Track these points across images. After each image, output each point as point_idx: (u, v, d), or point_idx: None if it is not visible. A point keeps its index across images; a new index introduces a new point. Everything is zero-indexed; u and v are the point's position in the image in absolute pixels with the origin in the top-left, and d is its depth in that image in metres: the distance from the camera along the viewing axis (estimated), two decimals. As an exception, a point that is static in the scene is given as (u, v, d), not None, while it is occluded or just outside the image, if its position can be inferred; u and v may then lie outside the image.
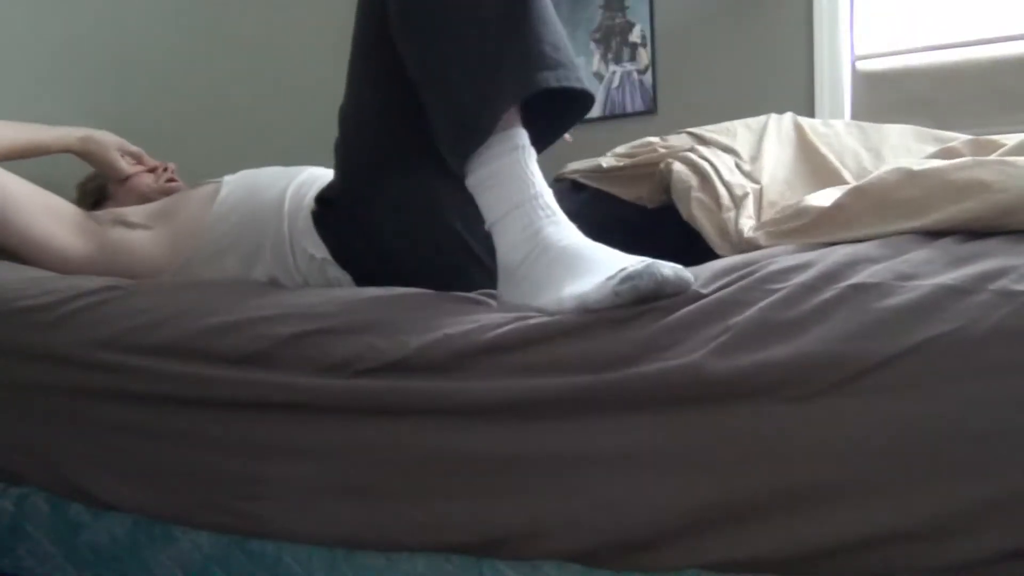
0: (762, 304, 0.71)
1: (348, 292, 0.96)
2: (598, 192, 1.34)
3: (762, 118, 1.34)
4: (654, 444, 0.70)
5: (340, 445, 0.82)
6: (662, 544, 0.70)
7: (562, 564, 0.75)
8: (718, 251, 1.08)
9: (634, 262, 0.76)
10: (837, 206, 0.90)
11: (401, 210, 1.03)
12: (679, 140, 1.31)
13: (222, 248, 1.18)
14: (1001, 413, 0.63)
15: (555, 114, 0.94)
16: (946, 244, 0.76)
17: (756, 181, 1.17)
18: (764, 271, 0.76)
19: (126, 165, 1.43)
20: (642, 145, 1.35)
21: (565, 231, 0.85)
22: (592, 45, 2.33)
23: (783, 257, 0.80)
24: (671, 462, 0.70)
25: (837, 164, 1.22)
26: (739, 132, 1.30)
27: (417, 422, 0.79)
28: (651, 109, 2.40)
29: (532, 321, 0.78)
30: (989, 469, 0.62)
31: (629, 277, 0.74)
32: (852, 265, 0.74)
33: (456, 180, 0.90)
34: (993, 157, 0.87)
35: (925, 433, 0.64)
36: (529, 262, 0.84)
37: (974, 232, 0.79)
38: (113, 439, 0.94)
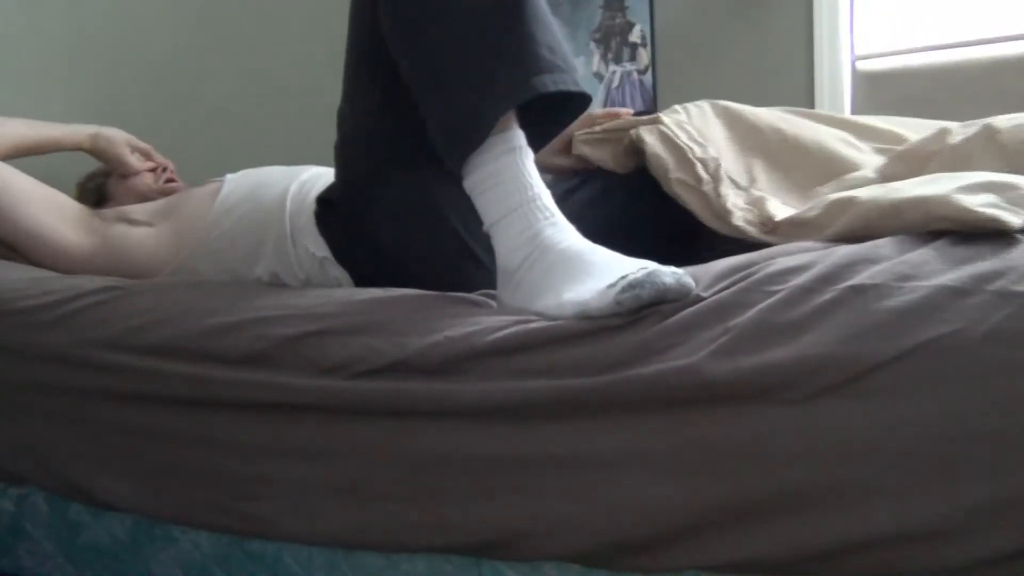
0: (761, 306, 0.71)
1: (348, 293, 0.96)
2: (597, 192, 1.34)
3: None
4: (654, 446, 0.70)
5: (340, 446, 0.82)
6: (661, 545, 0.70)
7: (562, 565, 0.75)
8: (707, 224, 1.09)
9: (634, 268, 0.76)
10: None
11: (400, 211, 1.03)
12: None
13: (224, 245, 1.18)
14: (1001, 414, 0.63)
15: (551, 114, 0.94)
16: (945, 245, 0.76)
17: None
18: (763, 273, 0.76)
19: (136, 161, 1.44)
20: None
21: (564, 233, 0.85)
22: (592, 45, 2.32)
23: (782, 259, 0.80)
24: (671, 464, 0.70)
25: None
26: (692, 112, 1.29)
27: (417, 423, 0.79)
28: (651, 109, 2.39)
29: (532, 325, 0.78)
30: (989, 470, 0.63)
31: (631, 286, 0.74)
32: (851, 266, 0.74)
33: (455, 180, 0.90)
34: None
35: (925, 434, 0.64)
36: (528, 265, 0.84)
37: (974, 232, 0.79)
38: (113, 439, 0.94)
